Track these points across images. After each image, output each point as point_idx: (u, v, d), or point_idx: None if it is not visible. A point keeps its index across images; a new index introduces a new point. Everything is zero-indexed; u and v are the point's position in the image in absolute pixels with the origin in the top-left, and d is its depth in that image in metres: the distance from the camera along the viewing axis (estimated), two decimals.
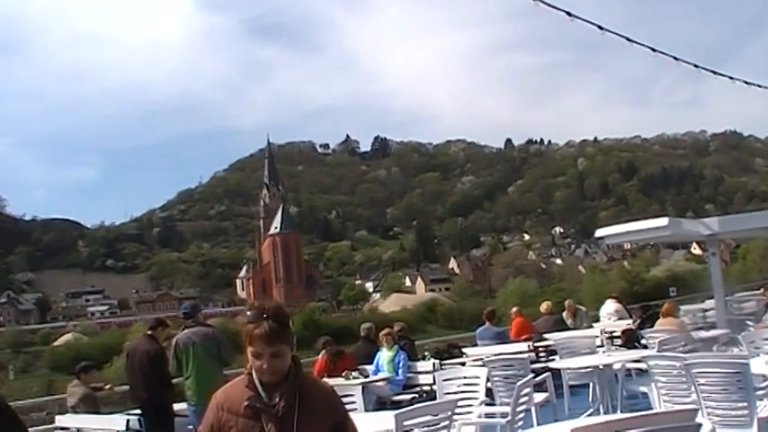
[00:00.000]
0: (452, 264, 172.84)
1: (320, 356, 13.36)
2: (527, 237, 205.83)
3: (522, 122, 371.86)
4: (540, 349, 14.38)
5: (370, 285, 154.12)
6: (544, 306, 17.48)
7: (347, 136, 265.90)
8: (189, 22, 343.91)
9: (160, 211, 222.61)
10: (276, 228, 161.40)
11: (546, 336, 14.99)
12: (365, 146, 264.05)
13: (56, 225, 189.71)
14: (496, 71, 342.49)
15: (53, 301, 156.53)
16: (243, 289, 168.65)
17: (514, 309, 17.56)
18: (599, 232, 16.00)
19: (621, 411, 9.47)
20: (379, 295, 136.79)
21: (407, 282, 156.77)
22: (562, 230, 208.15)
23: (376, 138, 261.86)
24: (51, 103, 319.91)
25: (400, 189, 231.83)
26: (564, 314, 17.53)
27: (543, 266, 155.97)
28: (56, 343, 78.88)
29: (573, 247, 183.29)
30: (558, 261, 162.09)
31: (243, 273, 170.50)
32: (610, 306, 17.69)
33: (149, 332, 10.33)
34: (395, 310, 74.89)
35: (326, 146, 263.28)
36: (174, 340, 9.80)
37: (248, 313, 3.23)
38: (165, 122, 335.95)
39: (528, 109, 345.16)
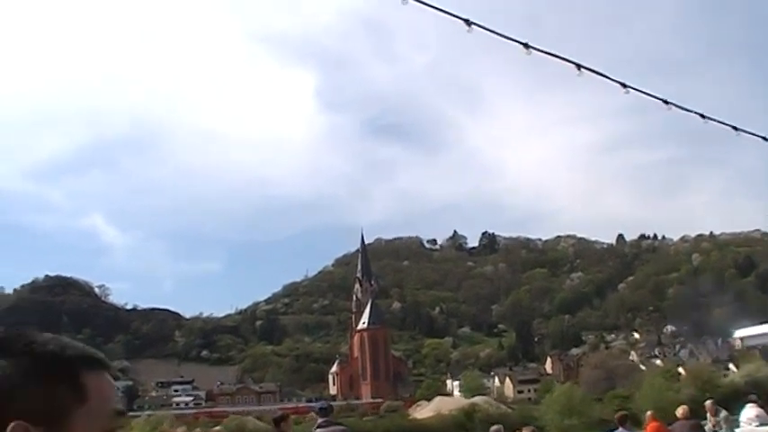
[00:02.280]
0: (549, 363, 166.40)
1: None
2: (636, 335, 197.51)
3: (637, 218, 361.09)
4: None
5: (457, 384, 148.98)
6: (680, 410, 16.01)
7: (454, 231, 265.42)
8: (311, 122, 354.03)
9: (265, 304, 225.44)
10: (364, 323, 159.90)
11: None
12: (473, 241, 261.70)
13: (155, 315, 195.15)
14: (613, 167, 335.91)
15: (143, 390, 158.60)
16: (334, 384, 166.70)
17: (649, 412, 16.50)
18: (738, 333, 15.25)
19: None
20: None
21: (497, 381, 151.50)
22: (674, 329, 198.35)
23: (484, 233, 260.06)
24: (179, 199, 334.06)
25: (507, 285, 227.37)
26: (708, 417, 16.83)
27: (643, 368, 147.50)
28: None
29: (678, 347, 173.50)
30: (659, 362, 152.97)
31: (334, 368, 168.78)
32: (750, 411, 16.25)
33: (276, 427, 10.01)
34: (430, 416, 71.11)
35: (434, 241, 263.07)
36: None
37: None
38: (287, 218, 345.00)
39: (644, 205, 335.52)
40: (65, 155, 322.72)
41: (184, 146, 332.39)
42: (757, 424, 15.44)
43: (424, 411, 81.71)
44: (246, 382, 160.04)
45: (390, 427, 64.23)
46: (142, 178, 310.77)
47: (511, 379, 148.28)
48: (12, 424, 1.45)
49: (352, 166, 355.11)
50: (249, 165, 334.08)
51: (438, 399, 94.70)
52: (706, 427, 15.89)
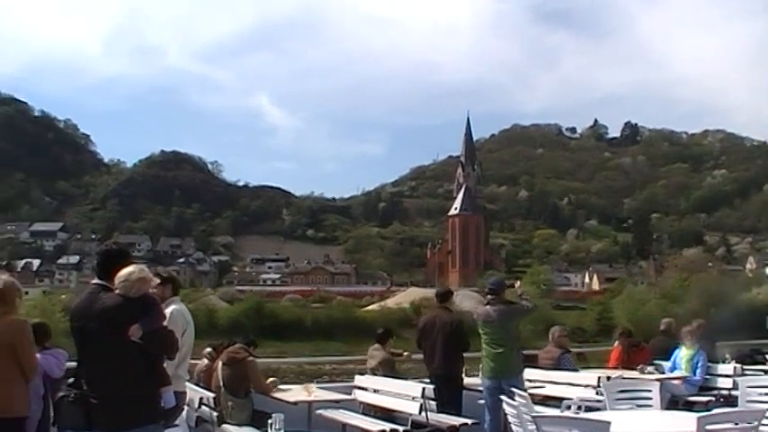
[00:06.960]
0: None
1: (615, 346, 13.37)
2: None
3: None
4: None
5: None
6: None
7: (595, 120, 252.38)
8: (477, 7, 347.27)
9: (391, 186, 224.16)
10: (456, 209, 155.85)
11: None
12: (615, 132, 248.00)
13: (264, 192, 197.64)
14: None
15: (242, 266, 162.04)
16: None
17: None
18: None
19: None
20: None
21: (586, 278, 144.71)
22: None
23: (626, 123, 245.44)
24: (344, 82, 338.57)
25: (643, 179, 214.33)
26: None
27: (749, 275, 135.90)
28: None
29: None
30: None
31: (429, 254, 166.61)
32: None
33: (443, 303, 11.06)
34: (390, 307, 67.56)
35: (573, 129, 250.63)
36: (474, 314, 10.13)
37: None
38: (449, 103, 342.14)
39: None
40: (233, 37, 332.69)
41: (348, 30, 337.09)
42: None
43: (390, 303, 77.94)
44: (334, 263, 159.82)
45: (326, 317, 61.39)
46: (306, 60, 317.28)
47: (598, 276, 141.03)
48: None
49: (519, 53, 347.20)
50: (414, 49, 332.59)
51: (410, 290, 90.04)
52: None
